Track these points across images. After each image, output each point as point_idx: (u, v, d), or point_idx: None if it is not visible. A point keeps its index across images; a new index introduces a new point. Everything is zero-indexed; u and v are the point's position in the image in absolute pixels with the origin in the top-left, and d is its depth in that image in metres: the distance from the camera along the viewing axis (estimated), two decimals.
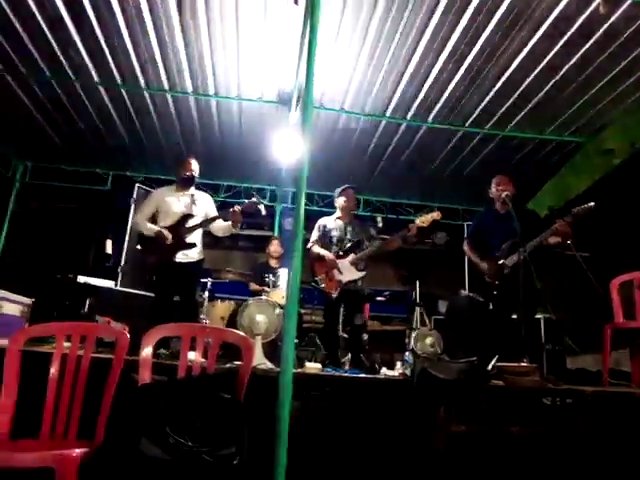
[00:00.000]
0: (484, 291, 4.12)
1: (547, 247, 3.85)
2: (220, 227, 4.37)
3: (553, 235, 3.78)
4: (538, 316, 5.28)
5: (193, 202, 4.36)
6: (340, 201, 4.80)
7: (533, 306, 3.74)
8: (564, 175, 6.19)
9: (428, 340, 6.24)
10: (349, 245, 4.60)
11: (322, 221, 4.83)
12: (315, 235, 4.76)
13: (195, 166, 4.42)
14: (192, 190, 4.44)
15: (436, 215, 4.45)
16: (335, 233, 4.70)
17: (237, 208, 4.20)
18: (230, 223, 4.27)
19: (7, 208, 7.51)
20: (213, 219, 4.33)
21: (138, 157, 7.36)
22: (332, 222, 4.78)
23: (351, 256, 4.55)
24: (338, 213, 4.82)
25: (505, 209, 4.17)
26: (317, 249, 4.67)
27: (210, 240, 4.53)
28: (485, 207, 4.78)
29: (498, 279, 4.01)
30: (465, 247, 4.43)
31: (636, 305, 3.98)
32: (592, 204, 3.67)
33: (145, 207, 4.41)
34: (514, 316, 3.97)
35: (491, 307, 4.09)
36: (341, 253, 4.58)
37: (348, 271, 4.53)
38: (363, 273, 4.57)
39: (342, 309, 4.79)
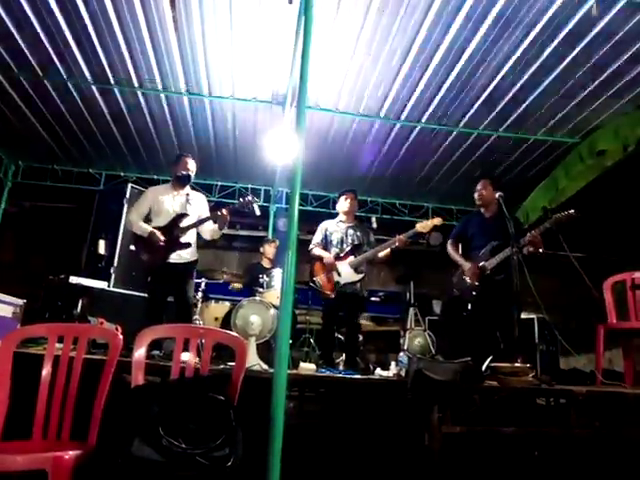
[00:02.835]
0: (464, 291, 4.17)
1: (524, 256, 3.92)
2: (208, 230, 4.35)
3: (526, 246, 3.87)
4: (532, 316, 5.32)
5: (188, 202, 4.32)
6: (341, 204, 4.84)
7: (518, 307, 3.77)
8: (557, 176, 6.21)
9: (417, 341, 6.26)
10: (349, 247, 4.62)
11: (324, 224, 4.87)
12: (317, 238, 4.80)
13: (192, 165, 4.39)
14: (187, 189, 4.41)
15: (437, 221, 4.51)
16: (336, 235, 4.74)
17: (224, 211, 4.17)
18: (216, 226, 4.25)
19: None
20: (206, 219, 4.30)
21: (131, 157, 7.32)
22: (334, 225, 4.82)
23: (350, 258, 4.56)
24: (341, 216, 4.85)
25: (492, 212, 4.30)
26: (317, 251, 4.71)
27: (204, 241, 4.51)
28: (472, 210, 4.85)
29: (478, 280, 4.06)
30: (448, 247, 4.51)
31: (629, 305, 4.00)
32: (573, 212, 3.73)
33: (139, 205, 4.37)
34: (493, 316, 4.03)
35: (469, 307, 4.15)
36: (341, 255, 4.60)
37: (347, 273, 4.54)
38: (362, 275, 4.58)
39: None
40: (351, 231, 4.74)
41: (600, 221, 6.75)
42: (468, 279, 4.14)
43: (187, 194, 4.36)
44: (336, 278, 4.54)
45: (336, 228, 4.78)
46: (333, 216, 5.01)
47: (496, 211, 4.23)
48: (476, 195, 4.39)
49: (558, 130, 5.91)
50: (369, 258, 4.56)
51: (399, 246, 4.43)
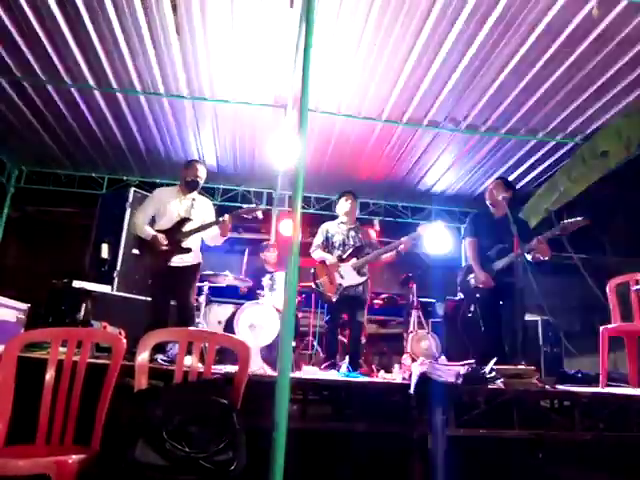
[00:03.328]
0: (468, 293, 4.15)
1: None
2: (210, 236, 4.34)
3: (532, 250, 3.84)
4: (536, 318, 5.30)
5: (193, 206, 4.31)
6: (341, 205, 4.83)
7: (522, 309, 3.75)
8: (559, 178, 6.20)
9: (423, 343, 6.24)
10: (351, 250, 4.61)
11: (325, 226, 4.85)
12: (318, 240, 4.78)
13: (202, 172, 4.36)
14: (194, 194, 4.40)
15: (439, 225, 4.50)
16: (338, 237, 4.72)
17: (226, 217, 4.17)
18: (219, 233, 4.25)
19: (2, 213, 7.47)
20: (209, 225, 4.29)
21: (134, 161, 7.34)
22: (335, 227, 4.80)
23: (353, 260, 4.55)
24: (342, 218, 4.84)
25: (501, 213, 4.23)
26: (319, 253, 4.69)
27: (207, 244, 4.50)
28: (481, 209, 4.82)
29: (484, 283, 4.05)
30: (469, 246, 4.35)
31: (633, 307, 3.98)
32: (581, 219, 3.70)
33: (145, 208, 4.35)
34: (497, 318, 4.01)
35: (473, 309, 4.13)
36: (343, 257, 4.58)
37: (349, 275, 4.52)
38: (364, 278, 4.56)
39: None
40: (352, 233, 4.73)
41: (603, 222, 6.73)
42: (474, 282, 4.11)
43: (193, 199, 4.35)
44: (339, 280, 4.53)
45: (337, 230, 4.77)
46: (335, 218, 5.00)
47: (504, 212, 4.20)
48: (487, 195, 4.38)
49: (560, 131, 5.90)
50: (371, 260, 4.55)
51: (405, 248, 4.43)
